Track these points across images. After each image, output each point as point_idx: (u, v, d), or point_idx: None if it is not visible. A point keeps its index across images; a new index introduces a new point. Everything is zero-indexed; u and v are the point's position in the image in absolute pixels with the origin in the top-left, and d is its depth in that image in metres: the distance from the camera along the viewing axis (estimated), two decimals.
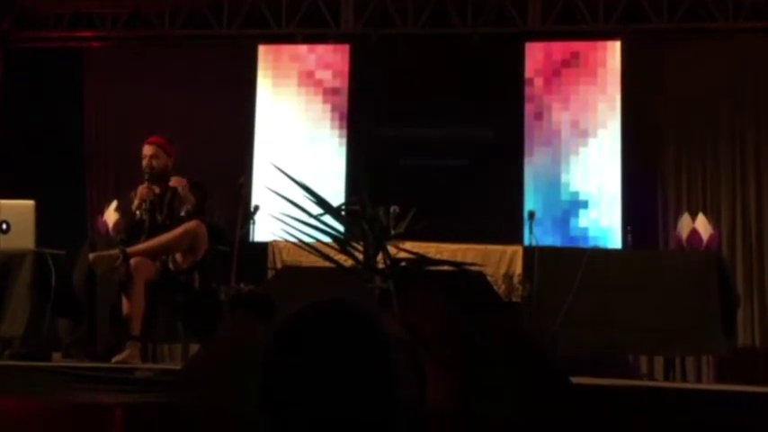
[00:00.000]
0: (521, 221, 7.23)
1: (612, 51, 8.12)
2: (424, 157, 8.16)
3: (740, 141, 7.98)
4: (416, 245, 3.01)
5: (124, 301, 5.08)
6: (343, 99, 8.41)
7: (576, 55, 8.21)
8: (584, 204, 7.98)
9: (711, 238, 6.45)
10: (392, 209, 2.93)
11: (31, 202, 5.38)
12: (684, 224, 6.56)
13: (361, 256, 2.80)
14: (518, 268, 6.24)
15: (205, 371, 3.28)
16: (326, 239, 2.85)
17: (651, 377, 6.97)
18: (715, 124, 8.02)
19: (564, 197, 8.02)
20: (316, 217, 2.80)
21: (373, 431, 1.28)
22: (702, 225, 6.48)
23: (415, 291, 2.73)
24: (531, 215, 6.82)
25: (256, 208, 6.52)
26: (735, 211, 7.87)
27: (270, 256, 6.31)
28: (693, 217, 6.66)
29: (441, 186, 7.90)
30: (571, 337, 5.88)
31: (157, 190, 5.33)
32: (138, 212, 5.30)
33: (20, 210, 5.37)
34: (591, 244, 7.68)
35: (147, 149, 5.39)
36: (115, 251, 5.07)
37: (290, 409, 1.29)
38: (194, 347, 5.40)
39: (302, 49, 8.55)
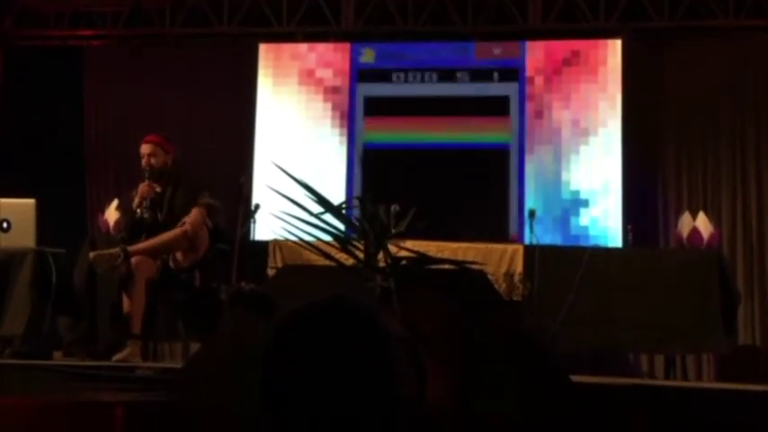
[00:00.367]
0: (521, 220, 7.24)
1: (613, 50, 8.12)
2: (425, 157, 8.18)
3: (741, 140, 7.98)
4: (417, 243, 3.02)
5: (125, 300, 5.09)
6: (344, 98, 8.42)
7: (576, 53, 8.21)
8: (585, 203, 7.98)
9: (712, 236, 6.45)
10: (393, 207, 2.93)
11: (31, 201, 5.38)
12: (685, 222, 6.57)
13: (361, 255, 2.80)
14: (519, 267, 6.24)
15: (206, 369, 3.28)
16: (327, 238, 2.86)
17: (652, 375, 6.97)
18: (716, 122, 8.01)
19: (564, 196, 8.02)
20: (316, 215, 2.80)
21: (373, 428, 1.28)
22: (703, 223, 6.48)
23: (416, 289, 2.73)
24: (532, 214, 6.82)
25: (257, 207, 6.53)
26: (735, 210, 7.87)
27: (270, 255, 6.31)
28: (694, 215, 6.66)
29: (441, 185, 7.91)
30: (572, 336, 5.88)
31: (158, 188, 5.34)
32: (138, 211, 5.30)
33: (20, 208, 5.37)
34: (591, 242, 7.68)
35: (145, 148, 5.39)
36: (116, 250, 5.07)
37: (290, 407, 1.29)
38: (195, 346, 5.41)
39: (303, 47, 8.55)
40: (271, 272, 6.07)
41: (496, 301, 3.36)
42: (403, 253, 2.83)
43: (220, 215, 5.40)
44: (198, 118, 8.44)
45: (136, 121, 8.03)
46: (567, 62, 8.19)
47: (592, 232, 7.90)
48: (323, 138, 8.39)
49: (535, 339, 3.18)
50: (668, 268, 6.16)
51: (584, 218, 7.96)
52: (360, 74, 8.42)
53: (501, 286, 5.98)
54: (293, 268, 4.60)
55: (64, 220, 7.17)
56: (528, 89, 8.19)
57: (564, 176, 8.04)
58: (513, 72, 8.23)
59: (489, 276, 3.51)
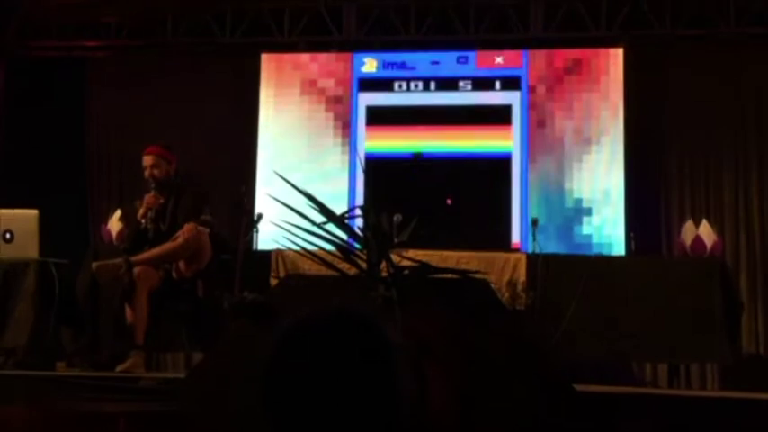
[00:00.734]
0: (524, 229, 7.24)
1: (615, 58, 8.13)
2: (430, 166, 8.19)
3: (743, 148, 7.98)
4: (419, 253, 3.01)
5: (128, 310, 5.08)
6: (346, 107, 8.43)
7: (578, 62, 8.22)
8: (588, 211, 7.98)
9: (715, 244, 6.44)
10: (395, 217, 2.93)
11: (34, 212, 5.39)
12: (688, 231, 6.56)
13: (364, 265, 2.79)
14: (522, 276, 6.23)
15: (208, 380, 3.28)
16: (329, 247, 2.85)
17: (655, 384, 6.95)
18: (717, 130, 8.02)
19: (567, 204, 8.03)
20: (319, 225, 2.80)
21: None
22: (706, 231, 6.48)
23: (419, 299, 2.73)
24: (535, 222, 6.82)
25: (259, 216, 6.53)
26: (738, 218, 7.86)
27: (273, 265, 6.31)
28: (697, 223, 6.65)
29: (443, 194, 7.92)
30: (575, 345, 5.87)
31: (161, 199, 5.34)
32: (142, 221, 5.30)
33: (23, 219, 5.37)
34: (594, 251, 7.68)
35: (147, 160, 5.39)
36: (119, 260, 5.07)
37: (293, 415, 1.29)
38: (197, 356, 5.40)
39: (305, 57, 8.57)
40: (273, 281, 6.07)
41: (499, 310, 3.36)
42: (405, 262, 2.82)
43: (214, 229, 5.40)
44: (200, 128, 8.45)
45: (138, 132, 8.05)
46: (568, 71, 8.20)
47: (595, 241, 7.90)
48: (325, 147, 8.40)
49: (538, 348, 3.17)
50: (671, 276, 6.15)
51: (587, 226, 7.96)
52: (361, 83, 8.44)
53: (504, 295, 5.98)
54: (296, 278, 4.59)
55: (66, 231, 7.18)
56: (530, 98, 8.20)
57: (566, 185, 8.05)
58: (515, 81, 8.24)
59: (492, 285, 3.50)
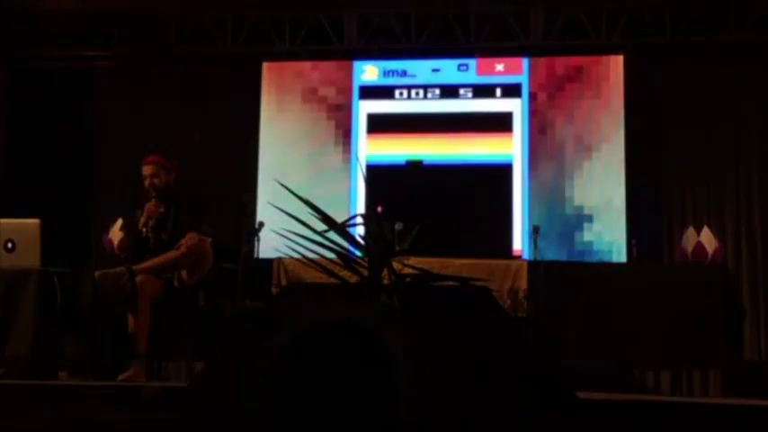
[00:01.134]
0: (526, 236, 7.24)
1: (615, 65, 8.14)
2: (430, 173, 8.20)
3: (744, 154, 7.99)
4: (421, 260, 3.02)
5: (130, 319, 5.09)
6: (347, 115, 8.44)
7: (579, 69, 8.23)
8: (589, 218, 7.98)
9: (716, 251, 6.44)
10: (396, 225, 2.93)
11: (36, 221, 5.39)
12: (689, 237, 6.55)
13: (365, 273, 2.80)
14: (523, 283, 6.23)
15: (210, 388, 3.28)
16: (331, 256, 2.86)
17: (658, 391, 6.94)
18: (718, 137, 8.03)
19: (568, 211, 8.03)
20: (320, 233, 2.81)
21: None
22: (707, 238, 6.47)
23: (420, 306, 2.73)
24: (536, 229, 6.82)
25: (261, 225, 6.53)
26: (739, 224, 7.87)
27: (275, 273, 6.31)
28: (698, 230, 6.64)
29: (444, 201, 7.91)
30: (576, 352, 5.86)
31: (162, 208, 5.34)
32: (144, 230, 5.31)
33: (25, 228, 5.37)
34: (596, 258, 7.68)
35: (146, 169, 5.41)
36: (121, 269, 5.07)
37: (295, 424, 1.29)
38: (199, 365, 5.40)
39: (305, 65, 8.59)
40: (275, 290, 6.07)
41: (501, 317, 3.36)
42: (407, 270, 2.83)
43: (215, 237, 5.41)
44: (202, 136, 8.46)
45: (140, 141, 8.07)
46: (569, 78, 8.22)
47: (596, 248, 7.90)
48: (326, 155, 8.41)
49: (540, 355, 3.17)
50: (673, 283, 6.14)
51: (589, 233, 7.96)
52: (362, 91, 8.45)
53: (506, 303, 5.98)
54: (297, 286, 4.60)
55: (68, 240, 7.17)
56: (531, 105, 8.21)
57: (568, 192, 8.05)
58: (515, 88, 8.25)
59: (494, 293, 3.51)
